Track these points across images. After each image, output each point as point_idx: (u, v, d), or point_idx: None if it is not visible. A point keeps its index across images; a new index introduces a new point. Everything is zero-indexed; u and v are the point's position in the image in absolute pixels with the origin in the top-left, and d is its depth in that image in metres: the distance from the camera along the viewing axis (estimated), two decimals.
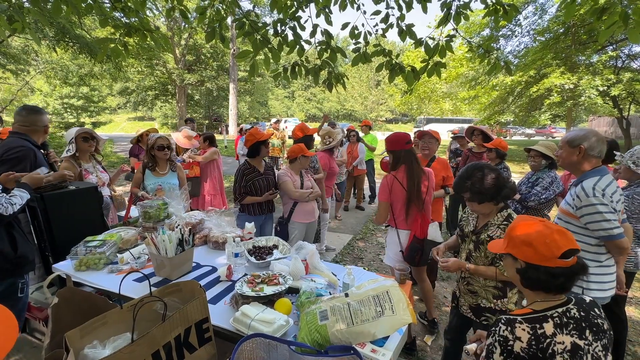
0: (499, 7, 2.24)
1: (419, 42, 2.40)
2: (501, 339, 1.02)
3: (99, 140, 3.01)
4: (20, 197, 1.84)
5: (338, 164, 4.81)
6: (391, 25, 2.46)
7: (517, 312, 1.08)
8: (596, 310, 1.08)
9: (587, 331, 1.02)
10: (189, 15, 2.72)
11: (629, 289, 2.32)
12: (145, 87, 26.80)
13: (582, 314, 1.04)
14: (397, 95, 22.79)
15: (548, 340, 0.98)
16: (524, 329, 1.00)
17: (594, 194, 1.64)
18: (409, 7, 2.41)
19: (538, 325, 1.00)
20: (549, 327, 1.00)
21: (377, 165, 6.56)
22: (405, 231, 2.52)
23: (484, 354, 1.09)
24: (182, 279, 1.92)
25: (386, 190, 2.47)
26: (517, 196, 3.06)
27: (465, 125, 5.43)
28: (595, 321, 1.04)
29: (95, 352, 1.13)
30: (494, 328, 1.07)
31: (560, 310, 1.03)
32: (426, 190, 2.52)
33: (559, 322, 1.01)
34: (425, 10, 2.41)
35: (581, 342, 1.00)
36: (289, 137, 6.48)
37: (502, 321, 1.05)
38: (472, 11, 2.39)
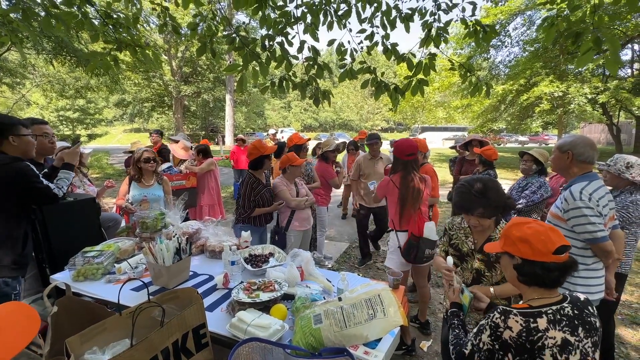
0: (478, 27, 2.34)
1: (402, 59, 2.50)
2: (492, 324, 1.09)
3: (82, 154, 3.03)
4: (66, 179, 2.05)
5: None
6: (376, 44, 2.55)
7: (515, 306, 1.12)
8: (590, 308, 1.13)
9: (580, 328, 1.07)
10: (181, 31, 2.79)
11: (620, 294, 2.31)
12: (142, 99, 26.88)
13: (575, 312, 1.09)
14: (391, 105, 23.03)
15: (540, 334, 1.03)
16: (517, 321, 1.05)
17: (581, 198, 1.71)
18: (392, 25, 2.49)
19: (532, 320, 1.05)
20: (542, 322, 1.04)
21: None
22: (403, 232, 2.67)
23: (475, 329, 1.16)
24: (179, 287, 1.94)
25: (382, 189, 2.82)
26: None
27: (459, 134, 5.52)
28: (589, 319, 1.10)
29: (95, 357, 1.16)
30: (489, 314, 1.13)
31: (555, 307, 1.08)
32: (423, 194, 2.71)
33: (552, 318, 1.06)
34: (407, 29, 2.50)
35: (572, 339, 1.04)
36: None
37: (498, 310, 1.10)
38: (447, 36, 2.49)
